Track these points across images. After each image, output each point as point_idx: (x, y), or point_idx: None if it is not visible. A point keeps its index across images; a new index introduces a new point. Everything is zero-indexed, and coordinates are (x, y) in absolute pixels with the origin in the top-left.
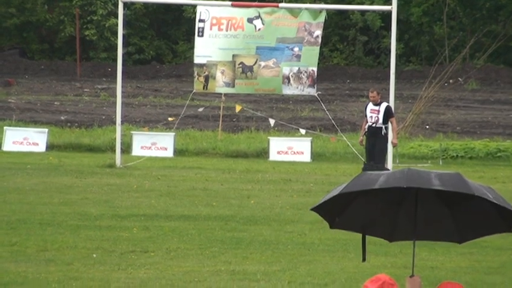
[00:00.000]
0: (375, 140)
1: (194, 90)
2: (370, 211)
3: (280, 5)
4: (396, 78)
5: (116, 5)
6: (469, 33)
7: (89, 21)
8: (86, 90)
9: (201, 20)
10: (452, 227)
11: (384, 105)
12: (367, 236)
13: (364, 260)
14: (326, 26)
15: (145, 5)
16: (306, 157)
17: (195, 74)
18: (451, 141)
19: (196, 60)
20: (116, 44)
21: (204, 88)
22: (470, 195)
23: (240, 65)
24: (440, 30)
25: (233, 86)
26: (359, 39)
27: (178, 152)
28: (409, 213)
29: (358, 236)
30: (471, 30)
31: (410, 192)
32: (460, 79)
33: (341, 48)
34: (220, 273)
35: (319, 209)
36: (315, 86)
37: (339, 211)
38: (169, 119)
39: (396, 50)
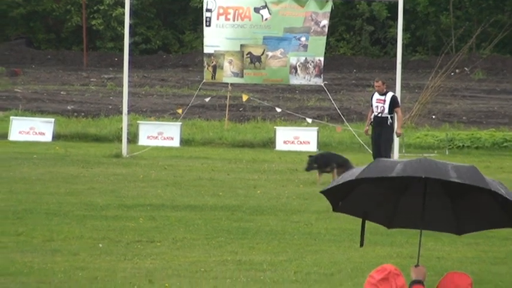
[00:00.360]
0: (381, 129)
1: (204, 80)
2: (373, 197)
3: None
4: (402, 68)
5: None
6: (475, 23)
7: (96, 10)
8: (92, 80)
9: (208, 10)
10: (453, 218)
11: (389, 95)
12: (367, 222)
13: (361, 245)
14: (332, 16)
15: None
16: (313, 147)
17: (205, 63)
18: (457, 131)
19: (206, 50)
20: (123, 34)
21: (212, 78)
22: (481, 189)
23: (248, 55)
24: (447, 20)
25: (242, 76)
26: (365, 29)
27: (184, 141)
28: (410, 202)
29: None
30: (477, 20)
31: (417, 182)
32: (466, 69)
33: (347, 38)
34: (226, 263)
35: (328, 192)
36: (322, 76)
37: (343, 195)
38: (178, 110)
39: (402, 40)
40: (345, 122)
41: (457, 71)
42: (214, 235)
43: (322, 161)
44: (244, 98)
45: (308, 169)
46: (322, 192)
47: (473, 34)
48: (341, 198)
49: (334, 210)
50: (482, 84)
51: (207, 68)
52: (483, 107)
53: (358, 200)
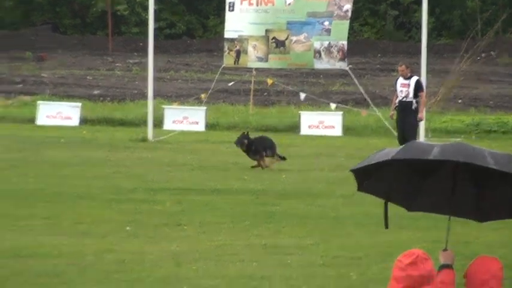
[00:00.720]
0: (405, 114)
1: (224, 65)
2: (398, 178)
3: None
4: (428, 52)
5: None
6: (501, 7)
7: None
8: (117, 64)
9: None
10: (477, 205)
11: (414, 79)
12: (391, 205)
13: (386, 227)
14: (356, 1)
15: None
16: (337, 131)
17: (226, 48)
18: (484, 115)
19: (227, 34)
20: (147, 19)
21: (235, 63)
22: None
23: (273, 40)
24: (473, 3)
25: (266, 61)
26: (390, 13)
27: (209, 126)
28: (434, 186)
29: (390, 210)
30: (503, 3)
31: (445, 165)
32: (492, 53)
33: (372, 23)
34: (253, 246)
35: (358, 171)
36: (346, 60)
37: (370, 174)
38: (202, 95)
39: (427, 24)
40: (372, 105)
41: (483, 55)
42: (240, 219)
43: (252, 147)
44: (269, 82)
45: (237, 143)
46: (352, 170)
47: (499, 18)
48: (367, 177)
49: (358, 189)
50: (509, 68)
51: (228, 53)
52: (510, 91)
53: (382, 180)
